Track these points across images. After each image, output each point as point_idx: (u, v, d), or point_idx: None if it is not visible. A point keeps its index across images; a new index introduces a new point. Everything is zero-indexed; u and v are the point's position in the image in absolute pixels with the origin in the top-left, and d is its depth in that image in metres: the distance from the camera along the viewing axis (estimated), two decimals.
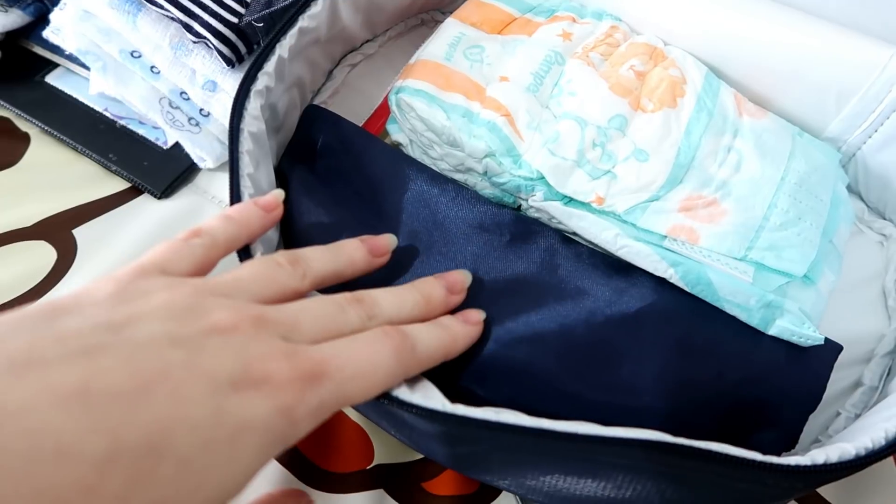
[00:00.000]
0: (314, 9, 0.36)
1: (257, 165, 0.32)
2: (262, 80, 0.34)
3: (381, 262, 0.28)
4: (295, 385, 0.19)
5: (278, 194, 0.28)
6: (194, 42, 0.38)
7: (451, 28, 0.39)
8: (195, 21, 0.37)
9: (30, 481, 0.14)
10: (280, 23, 0.35)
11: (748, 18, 0.38)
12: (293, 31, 0.36)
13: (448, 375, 0.27)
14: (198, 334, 0.19)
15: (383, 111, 0.42)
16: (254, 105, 0.33)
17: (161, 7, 0.37)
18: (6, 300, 0.35)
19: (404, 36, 0.47)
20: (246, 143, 0.32)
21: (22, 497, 0.14)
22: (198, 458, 0.17)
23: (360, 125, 0.40)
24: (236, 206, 0.26)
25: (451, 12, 0.41)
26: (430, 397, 0.24)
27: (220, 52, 0.37)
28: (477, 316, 0.28)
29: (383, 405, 0.24)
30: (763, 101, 0.39)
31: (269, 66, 0.34)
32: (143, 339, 0.18)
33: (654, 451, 0.23)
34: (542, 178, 0.33)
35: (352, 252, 0.27)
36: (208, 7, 0.37)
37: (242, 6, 0.38)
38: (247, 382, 0.18)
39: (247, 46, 0.38)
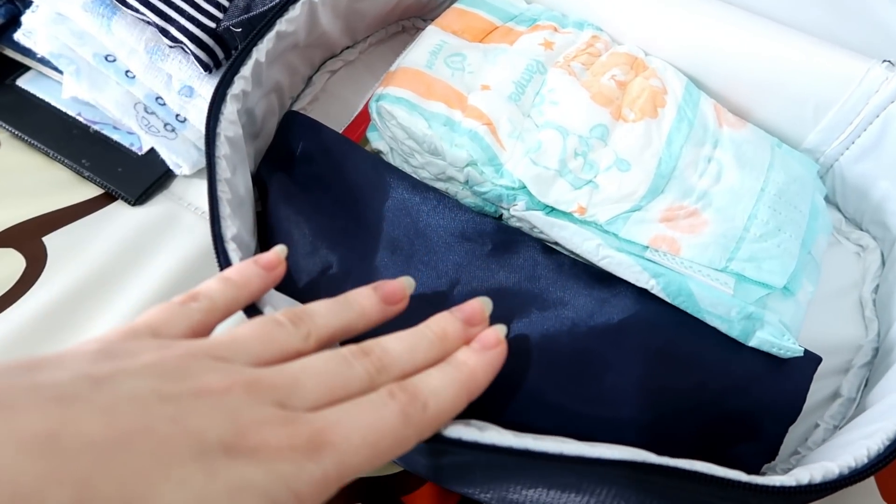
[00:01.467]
0: (292, 13, 0.36)
1: (234, 170, 0.32)
2: (239, 85, 0.33)
3: (397, 310, 0.26)
4: (294, 454, 0.18)
5: (280, 251, 0.26)
6: (171, 47, 0.37)
7: (432, 36, 0.39)
8: (171, 25, 0.36)
9: None
10: (259, 26, 0.35)
11: (728, 30, 0.38)
12: (270, 35, 0.35)
13: None
14: (186, 394, 0.17)
15: (363, 118, 0.42)
16: (230, 109, 0.33)
17: (136, 11, 0.36)
18: None
19: (385, 42, 0.46)
20: (222, 148, 0.31)
21: None
22: None
23: (340, 132, 0.40)
24: (236, 267, 0.25)
25: (433, 20, 0.40)
26: None
27: (196, 58, 0.37)
28: (495, 336, 0.24)
29: None
30: (742, 111, 0.40)
31: (246, 70, 0.34)
32: (126, 394, 0.17)
33: (639, 471, 0.23)
34: (524, 187, 0.33)
35: (363, 302, 0.24)
36: (185, 11, 0.36)
37: (220, 11, 0.37)
38: (239, 449, 0.17)
39: (224, 52, 0.38)
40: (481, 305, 0.26)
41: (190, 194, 0.41)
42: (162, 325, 0.21)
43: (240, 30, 0.37)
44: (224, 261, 0.27)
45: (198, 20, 0.36)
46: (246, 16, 0.36)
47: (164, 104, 0.40)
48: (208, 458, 0.16)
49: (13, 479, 0.14)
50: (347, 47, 0.44)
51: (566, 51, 0.39)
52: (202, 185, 0.41)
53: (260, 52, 0.34)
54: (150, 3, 0.36)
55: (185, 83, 0.38)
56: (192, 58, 0.37)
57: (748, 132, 0.37)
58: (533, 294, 0.31)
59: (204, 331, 0.22)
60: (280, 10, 0.36)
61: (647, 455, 0.23)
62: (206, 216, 0.40)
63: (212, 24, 0.37)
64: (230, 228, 0.29)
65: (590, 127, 0.35)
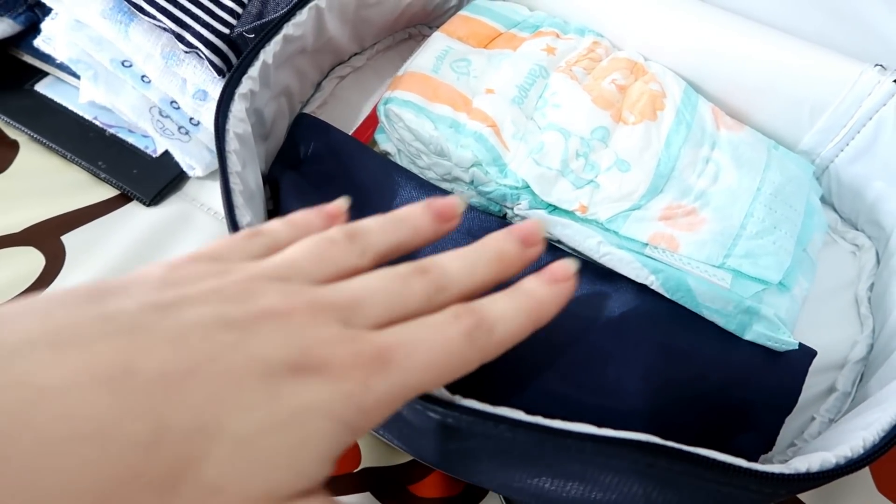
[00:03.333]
0: (299, 17, 0.37)
1: (244, 165, 0.33)
2: (247, 84, 0.34)
3: (451, 227, 0.24)
4: (358, 372, 0.18)
5: (343, 204, 0.25)
6: (186, 52, 0.38)
7: (438, 42, 0.40)
8: (187, 31, 0.38)
9: (68, 469, 0.14)
10: (267, 30, 0.36)
11: (725, 35, 0.40)
12: (278, 38, 0.36)
13: None
14: (250, 318, 0.17)
15: (371, 121, 0.43)
16: (238, 107, 0.34)
17: (153, 17, 0.38)
18: None
19: (392, 49, 0.48)
20: (232, 143, 0.33)
21: (60, 486, 0.13)
22: (259, 440, 0.16)
23: (349, 134, 0.41)
24: (300, 213, 0.24)
25: (439, 27, 0.42)
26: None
27: (211, 62, 0.38)
28: (565, 270, 0.23)
29: None
30: (740, 114, 0.41)
31: (254, 70, 0.35)
32: (191, 321, 0.17)
33: (647, 454, 0.24)
34: (528, 186, 0.34)
35: (416, 220, 0.23)
36: (200, 18, 0.38)
37: (234, 17, 0.39)
38: (305, 368, 0.17)
39: (237, 56, 0.39)
40: (536, 224, 0.24)
41: (203, 195, 0.42)
42: (224, 254, 0.21)
43: (252, 35, 0.38)
44: None
45: (212, 26, 0.38)
46: (258, 22, 0.38)
47: (179, 108, 0.42)
48: (274, 381, 0.17)
49: (91, 416, 0.14)
50: (356, 53, 0.46)
51: (568, 56, 0.40)
52: (214, 187, 0.42)
53: (267, 53, 0.36)
54: (166, 9, 0.37)
55: (199, 87, 0.40)
56: (206, 63, 0.38)
57: (745, 134, 0.39)
58: None
59: None
60: (287, 15, 0.37)
61: (654, 438, 0.24)
62: (219, 216, 0.41)
63: (226, 30, 0.38)
64: (244, 216, 0.30)
65: (591, 129, 0.36)
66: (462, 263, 0.22)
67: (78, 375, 0.15)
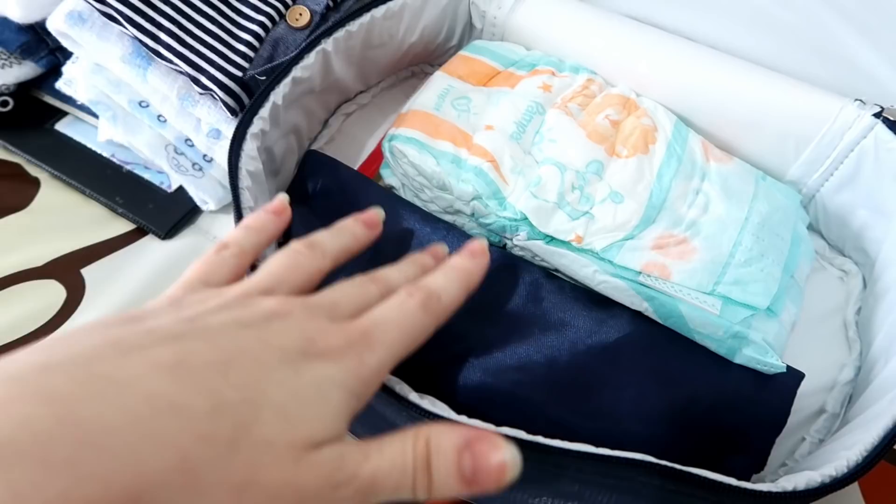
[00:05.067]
0: (307, 61, 0.39)
1: (256, 201, 0.35)
2: (258, 124, 0.37)
3: (378, 233, 0.31)
4: (353, 352, 0.22)
5: (284, 198, 0.31)
6: (201, 94, 0.41)
7: (439, 81, 0.42)
8: (202, 75, 0.40)
9: (154, 433, 0.17)
10: (277, 73, 0.38)
11: (713, 73, 0.42)
12: (287, 81, 0.38)
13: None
14: (260, 319, 0.22)
15: (377, 156, 0.45)
16: (250, 146, 0.36)
17: (170, 62, 0.40)
18: (19, 336, 0.37)
19: (396, 87, 0.50)
20: (245, 181, 0.35)
21: (152, 447, 0.17)
22: (292, 406, 0.20)
23: (355, 169, 0.43)
24: (252, 217, 0.29)
25: (440, 65, 0.44)
26: (436, 404, 0.26)
27: (224, 103, 0.40)
28: (481, 246, 0.30)
29: (397, 411, 0.26)
30: (728, 147, 0.42)
31: (264, 111, 0.37)
32: (217, 326, 0.21)
33: (644, 473, 0.25)
34: (526, 218, 0.36)
35: (353, 229, 0.30)
36: (214, 62, 0.40)
37: (246, 61, 0.41)
38: (313, 353, 0.21)
39: (250, 97, 0.41)
40: (441, 246, 0.33)
41: (215, 228, 0.44)
42: (208, 275, 0.25)
43: (264, 78, 0.40)
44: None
45: (226, 69, 0.40)
46: (269, 65, 0.40)
47: (192, 145, 0.44)
48: (293, 363, 0.21)
49: (166, 394, 0.18)
50: (361, 91, 0.48)
51: (563, 93, 0.42)
52: (227, 220, 0.44)
53: (277, 95, 0.38)
54: (183, 54, 0.40)
55: (213, 126, 0.42)
56: (220, 103, 0.40)
57: (734, 166, 0.40)
58: (536, 315, 0.34)
59: (241, 274, 0.27)
60: (296, 58, 0.39)
61: (650, 458, 0.25)
62: None
63: (238, 73, 0.40)
64: None
65: (586, 162, 0.38)
66: (398, 271, 0.28)
67: (145, 369, 0.18)
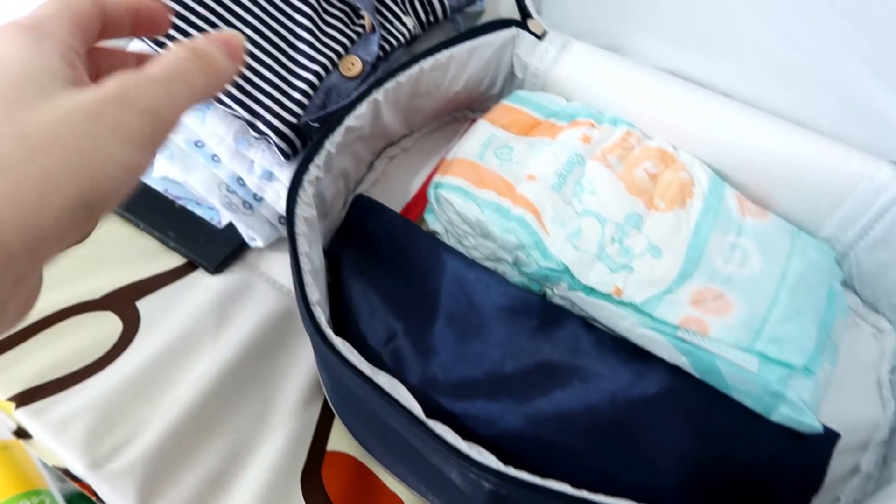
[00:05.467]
0: (359, 110, 0.41)
1: (310, 245, 0.36)
2: (314, 172, 0.38)
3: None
4: None
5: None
6: (256, 138, 0.43)
7: (483, 129, 0.44)
8: (259, 120, 0.42)
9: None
10: (330, 121, 0.40)
11: (748, 128, 0.43)
12: (340, 129, 0.40)
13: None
14: None
15: (420, 199, 0.47)
16: (306, 193, 0.38)
17: (229, 107, 0.42)
18: (79, 367, 0.38)
19: (438, 131, 0.52)
20: (301, 226, 0.36)
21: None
22: None
23: (399, 211, 0.44)
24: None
25: (481, 111, 0.45)
26: (484, 455, 0.27)
27: (279, 147, 0.42)
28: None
29: (444, 459, 0.27)
30: (764, 202, 0.43)
31: (319, 159, 0.39)
32: None
33: None
34: (567, 269, 0.37)
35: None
36: (271, 108, 0.42)
37: (301, 108, 0.43)
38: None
39: (302, 142, 0.43)
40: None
41: (262, 264, 0.46)
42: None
43: (317, 125, 0.42)
44: (311, 322, 0.32)
45: (281, 116, 0.42)
46: (323, 113, 0.42)
47: (244, 184, 0.45)
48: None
49: None
50: (405, 136, 0.50)
51: (602, 145, 0.44)
52: (274, 257, 0.46)
53: (331, 143, 0.40)
54: (241, 101, 0.42)
55: (265, 168, 0.44)
56: (274, 147, 0.42)
57: (769, 221, 0.41)
58: (575, 366, 0.35)
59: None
60: (349, 107, 0.41)
61: None
62: (276, 285, 0.45)
63: (293, 119, 0.42)
64: (314, 293, 0.33)
65: (625, 215, 0.39)
66: None
67: None
